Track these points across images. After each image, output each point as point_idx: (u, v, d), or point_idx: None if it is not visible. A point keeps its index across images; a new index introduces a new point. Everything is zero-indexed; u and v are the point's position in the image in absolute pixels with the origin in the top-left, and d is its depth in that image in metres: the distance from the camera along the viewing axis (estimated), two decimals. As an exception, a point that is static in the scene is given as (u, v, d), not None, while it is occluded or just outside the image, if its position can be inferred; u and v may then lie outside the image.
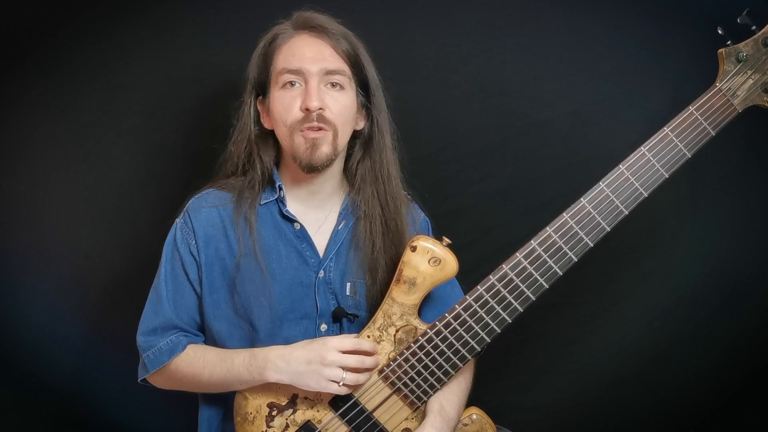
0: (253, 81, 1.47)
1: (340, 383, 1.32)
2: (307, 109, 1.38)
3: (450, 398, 1.41)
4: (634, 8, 1.83)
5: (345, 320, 1.45)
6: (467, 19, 1.86)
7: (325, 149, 1.40)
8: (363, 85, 1.47)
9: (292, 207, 1.48)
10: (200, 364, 1.41)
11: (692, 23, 1.76)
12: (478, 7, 1.85)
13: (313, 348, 1.34)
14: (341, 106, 1.42)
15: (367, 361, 1.35)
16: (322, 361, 1.32)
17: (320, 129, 1.39)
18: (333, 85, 1.42)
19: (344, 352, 1.34)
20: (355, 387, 1.36)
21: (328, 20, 1.45)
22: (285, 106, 1.41)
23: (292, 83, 1.41)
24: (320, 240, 1.48)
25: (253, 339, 1.42)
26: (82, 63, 1.80)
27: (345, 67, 1.43)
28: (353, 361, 1.33)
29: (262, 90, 1.47)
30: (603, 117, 1.87)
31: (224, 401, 1.47)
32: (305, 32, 1.44)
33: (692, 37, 1.75)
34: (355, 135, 1.50)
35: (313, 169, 1.42)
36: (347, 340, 1.36)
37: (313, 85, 1.39)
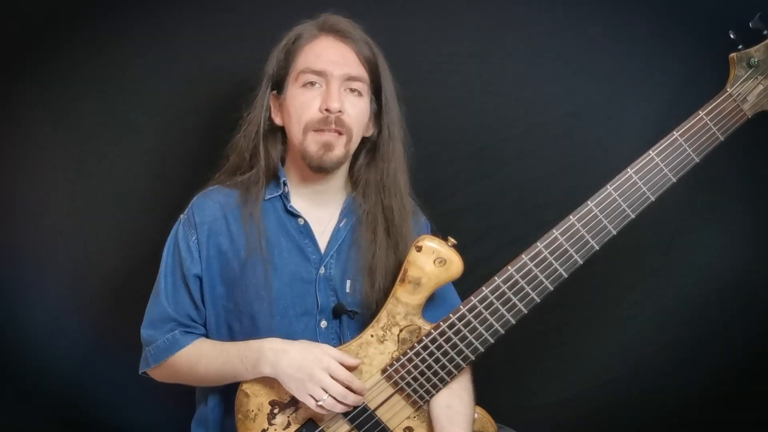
0: (271, 75, 1.48)
1: (318, 402, 1.32)
2: (327, 110, 1.39)
3: (461, 395, 1.41)
4: (634, 8, 1.83)
5: (345, 317, 1.45)
6: (467, 19, 1.86)
7: (337, 152, 1.42)
8: (377, 93, 1.49)
9: (295, 204, 1.48)
10: (196, 356, 1.42)
11: (693, 24, 1.76)
12: (478, 7, 1.85)
13: (306, 357, 1.34)
14: (358, 112, 1.44)
15: (349, 398, 1.33)
16: (310, 376, 1.32)
17: (337, 132, 1.40)
18: (352, 90, 1.43)
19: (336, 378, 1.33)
20: (329, 413, 1.34)
21: (353, 26, 1.47)
22: (303, 104, 1.41)
23: (312, 83, 1.42)
24: (321, 237, 1.48)
25: (253, 334, 1.42)
26: (82, 63, 1.79)
27: (365, 75, 1.45)
28: (338, 390, 1.32)
29: (278, 86, 1.47)
30: (603, 117, 1.87)
31: (223, 398, 1.47)
32: (331, 35, 1.45)
33: (692, 37, 1.75)
34: (364, 140, 1.51)
35: (321, 170, 1.43)
36: (342, 371, 1.34)
37: (335, 87, 1.40)
